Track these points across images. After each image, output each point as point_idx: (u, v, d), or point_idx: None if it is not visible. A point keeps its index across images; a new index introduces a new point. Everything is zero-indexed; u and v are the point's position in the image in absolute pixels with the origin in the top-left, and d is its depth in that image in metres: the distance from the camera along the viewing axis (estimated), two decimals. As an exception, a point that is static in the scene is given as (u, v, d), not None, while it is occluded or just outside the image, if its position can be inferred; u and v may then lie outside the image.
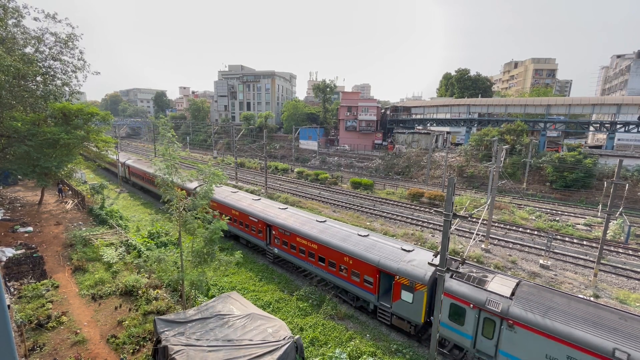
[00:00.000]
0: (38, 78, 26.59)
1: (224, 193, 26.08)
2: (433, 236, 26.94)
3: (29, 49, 25.78)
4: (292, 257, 19.74)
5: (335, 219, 27.06)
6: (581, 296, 14.35)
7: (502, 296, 11.79)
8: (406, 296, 14.05)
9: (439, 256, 9.92)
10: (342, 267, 16.63)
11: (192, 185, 26.38)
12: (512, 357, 11.26)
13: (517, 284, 12.62)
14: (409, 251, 15.42)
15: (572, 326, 10.20)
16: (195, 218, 13.34)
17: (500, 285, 12.56)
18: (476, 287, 12.47)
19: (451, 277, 12.97)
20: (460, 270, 13.61)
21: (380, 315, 15.60)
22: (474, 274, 13.30)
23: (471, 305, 12.17)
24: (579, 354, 9.77)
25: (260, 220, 21.57)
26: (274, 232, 20.72)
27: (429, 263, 10.39)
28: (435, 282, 13.19)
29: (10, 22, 24.40)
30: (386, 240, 17.04)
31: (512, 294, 11.95)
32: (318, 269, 18.07)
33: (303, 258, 18.94)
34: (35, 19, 25.07)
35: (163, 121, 13.51)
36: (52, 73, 27.09)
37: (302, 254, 18.94)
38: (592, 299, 16.26)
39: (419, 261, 14.50)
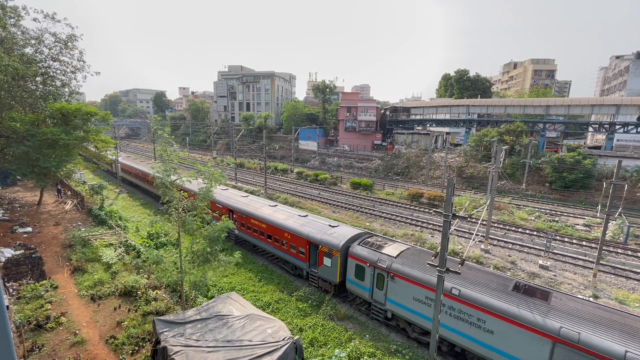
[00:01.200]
0: (37, 78, 26.54)
1: (194, 183, 29.56)
2: (432, 236, 26.95)
3: (28, 50, 25.74)
4: (248, 237, 22.84)
5: (334, 219, 27.05)
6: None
7: (390, 256, 14.96)
8: (327, 261, 17.09)
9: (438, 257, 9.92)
10: (283, 242, 19.58)
11: (191, 186, 26.48)
12: (394, 302, 14.52)
13: (406, 249, 15.74)
14: (334, 227, 18.45)
15: (429, 274, 13.33)
16: (195, 216, 13.29)
17: (392, 249, 15.66)
18: (374, 250, 15.65)
19: (358, 244, 16.37)
20: (367, 239, 16.83)
21: (311, 280, 18.67)
22: (377, 242, 16.45)
23: (368, 264, 15.34)
24: (431, 294, 13.15)
25: (225, 206, 24.48)
26: (235, 216, 23.68)
27: (428, 263, 10.46)
28: (347, 249, 16.51)
29: (9, 22, 24.35)
30: (319, 219, 20.27)
31: (398, 254, 15.05)
32: (267, 245, 21.06)
33: (256, 237, 21.92)
34: (34, 19, 25.05)
35: (157, 120, 13.38)
36: (51, 74, 27.05)
37: (255, 233, 21.97)
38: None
39: (338, 234, 17.42)
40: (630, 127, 44.77)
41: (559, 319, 10.35)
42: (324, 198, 39.13)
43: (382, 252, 15.36)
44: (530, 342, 10.60)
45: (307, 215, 20.64)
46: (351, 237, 17.02)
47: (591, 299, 16.49)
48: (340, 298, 17.35)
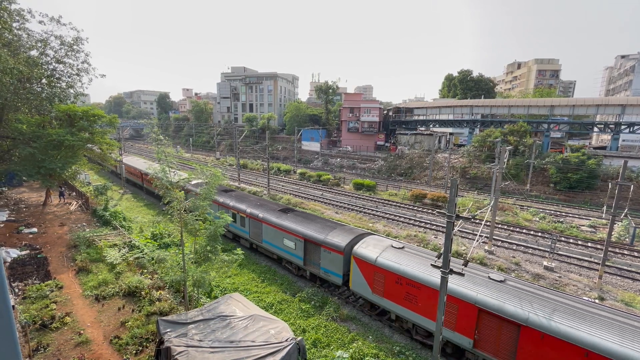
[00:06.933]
0: (43, 80, 26.82)
1: (138, 163, 43.66)
2: (436, 237, 26.84)
3: (34, 52, 26.03)
4: (136, 180, 41.00)
5: (337, 220, 27.15)
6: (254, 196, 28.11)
7: (193, 185, 23.91)
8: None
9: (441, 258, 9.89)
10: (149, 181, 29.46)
11: (192, 186, 27.46)
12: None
13: (204, 182, 25.83)
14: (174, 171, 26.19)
15: (217, 195, 22.03)
16: (197, 219, 13.36)
17: (195, 181, 23.99)
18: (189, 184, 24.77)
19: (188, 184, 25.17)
20: (196, 183, 25.38)
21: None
22: (193, 182, 25.67)
23: (183, 190, 25.44)
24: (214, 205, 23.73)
25: (138, 171, 39.70)
26: (132, 171, 41.41)
27: (431, 265, 10.46)
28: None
29: (14, 25, 24.63)
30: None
31: (197, 184, 23.64)
32: (143, 183, 37.07)
33: (140, 180, 38.98)
34: (40, 22, 25.32)
35: (153, 122, 13.59)
36: (57, 76, 27.33)
37: (139, 178, 38.92)
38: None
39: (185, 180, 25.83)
40: (636, 127, 44.37)
41: (244, 205, 23.28)
42: (326, 199, 39.11)
43: (191, 183, 24.75)
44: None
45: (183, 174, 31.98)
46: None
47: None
48: None
